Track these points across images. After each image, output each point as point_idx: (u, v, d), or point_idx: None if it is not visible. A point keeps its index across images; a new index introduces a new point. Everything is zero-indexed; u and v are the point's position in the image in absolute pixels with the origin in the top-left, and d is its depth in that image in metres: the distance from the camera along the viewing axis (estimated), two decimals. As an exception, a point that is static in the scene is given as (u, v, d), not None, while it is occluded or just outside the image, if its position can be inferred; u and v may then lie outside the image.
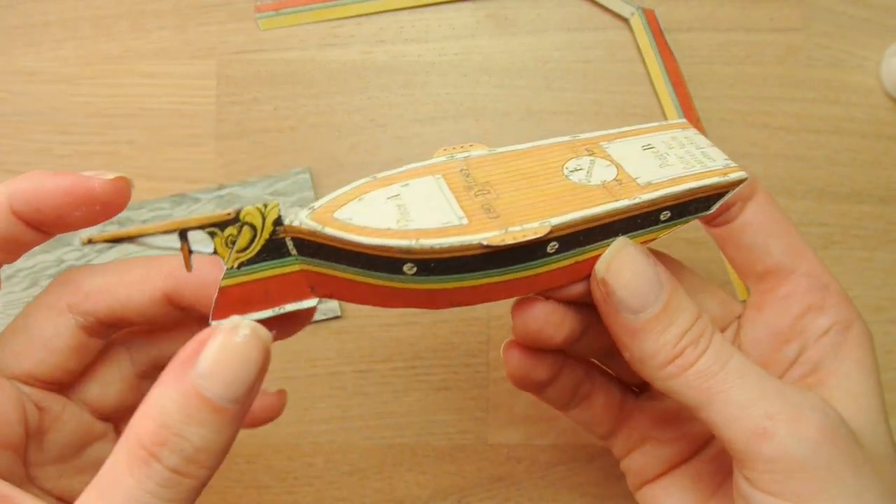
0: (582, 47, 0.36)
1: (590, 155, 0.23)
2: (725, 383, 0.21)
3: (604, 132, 0.24)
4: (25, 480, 0.22)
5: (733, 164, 0.23)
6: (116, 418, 0.24)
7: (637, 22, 0.36)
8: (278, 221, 0.19)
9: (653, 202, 0.22)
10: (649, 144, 0.24)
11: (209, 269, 0.21)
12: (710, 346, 0.21)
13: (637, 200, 0.21)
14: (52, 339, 0.22)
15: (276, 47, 0.36)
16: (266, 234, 0.19)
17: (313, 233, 0.19)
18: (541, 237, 0.20)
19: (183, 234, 0.18)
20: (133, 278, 0.22)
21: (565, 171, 0.22)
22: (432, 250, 0.19)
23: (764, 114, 0.36)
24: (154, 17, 0.36)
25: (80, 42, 0.36)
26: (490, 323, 0.35)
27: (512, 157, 0.23)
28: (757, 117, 0.36)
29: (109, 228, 0.19)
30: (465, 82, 0.36)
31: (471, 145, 0.23)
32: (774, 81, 0.36)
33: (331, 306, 0.34)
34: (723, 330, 0.26)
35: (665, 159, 0.23)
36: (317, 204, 0.20)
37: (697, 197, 0.23)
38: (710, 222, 0.25)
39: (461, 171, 0.22)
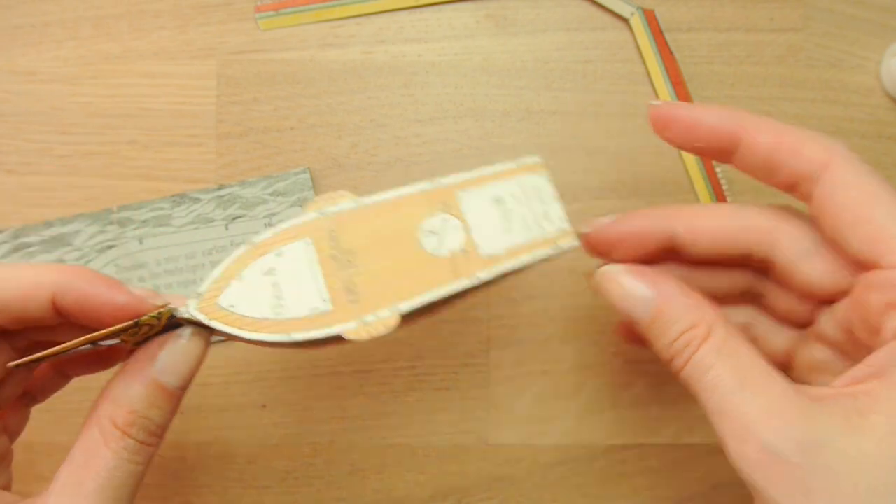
0: (582, 47, 0.36)
1: (444, 211, 0.26)
2: (698, 393, 0.23)
3: (460, 177, 0.27)
4: None
5: (568, 229, 0.26)
6: None
7: (637, 22, 0.36)
8: (172, 317, 0.23)
9: (489, 281, 0.25)
10: (500, 197, 0.27)
11: (93, 281, 0.23)
12: (690, 360, 0.23)
13: (475, 282, 0.25)
14: None
15: (276, 47, 0.36)
16: (163, 325, 0.23)
17: (201, 324, 0.23)
18: (390, 330, 0.24)
19: (93, 343, 0.23)
20: (26, 283, 0.23)
21: (421, 235, 0.26)
22: (304, 342, 0.24)
23: (764, 114, 0.36)
24: (154, 17, 0.36)
25: (80, 42, 0.36)
26: (490, 323, 0.35)
27: (375, 212, 0.26)
28: (757, 117, 0.36)
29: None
30: (465, 82, 0.36)
31: (341, 195, 0.26)
32: (774, 81, 0.36)
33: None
34: (833, 300, 0.25)
35: (510, 222, 0.26)
36: (203, 287, 0.24)
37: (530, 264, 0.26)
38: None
39: (330, 232, 0.25)
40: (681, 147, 0.27)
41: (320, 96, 0.36)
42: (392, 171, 0.35)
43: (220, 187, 0.34)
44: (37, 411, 0.28)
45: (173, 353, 0.23)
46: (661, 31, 0.36)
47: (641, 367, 0.35)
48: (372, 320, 0.24)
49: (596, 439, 0.34)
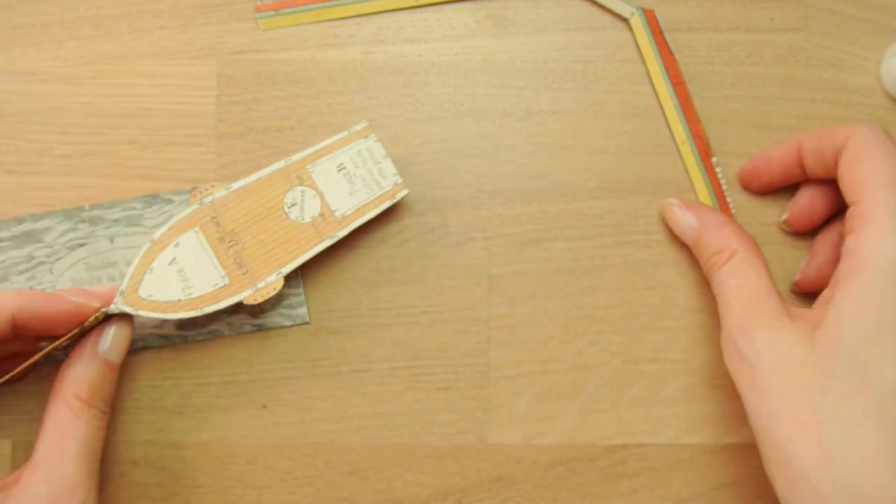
0: (582, 47, 0.36)
1: (300, 184, 0.31)
2: (717, 299, 0.31)
3: (307, 152, 0.32)
4: None
5: (400, 182, 0.32)
6: None
7: (637, 22, 0.36)
8: (106, 314, 0.29)
9: (346, 235, 0.32)
10: (342, 164, 0.32)
11: (39, 299, 0.28)
12: (714, 276, 0.31)
13: (335, 238, 0.32)
14: None
15: (276, 47, 0.36)
16: (101, 321, 0.29)
17: (130, 315, 0.30)
18: (279, 291, 0.30)
19: (57, 349, 0.29)
20: None
21: (285, 208, 0.31)
22: (213, 312, 0.30)
23: (764, 114, 0.36)
24: (154, 17, 0.36)
25: (80, 42, 0.36)
26: (490, 323, 0.35)
27: (244, 195, 0.31)
28: (757, 117, 0.36)
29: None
30: (465, 82, 0.36)
31: (212, 186, 0.31)
32: (774, 81, 0.36)
33: (299, 312, 0.34)
34: None
35: (353, 183, 0.32)
36: (124, 285, 0.30)
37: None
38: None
39: (212, 218, 0.31)
40: (772, 186, 0.34)
41: (320, 96, 0.36)
42: (392, 171, 0.35)
43: (195, 188, 0.34)
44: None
45: (114, 336, 0.30)
46: (661, 31, 0.36)
47: (641, 367, 0.35)
48: (263, 286, 0.30)
49: (596, 439, 0.34)
